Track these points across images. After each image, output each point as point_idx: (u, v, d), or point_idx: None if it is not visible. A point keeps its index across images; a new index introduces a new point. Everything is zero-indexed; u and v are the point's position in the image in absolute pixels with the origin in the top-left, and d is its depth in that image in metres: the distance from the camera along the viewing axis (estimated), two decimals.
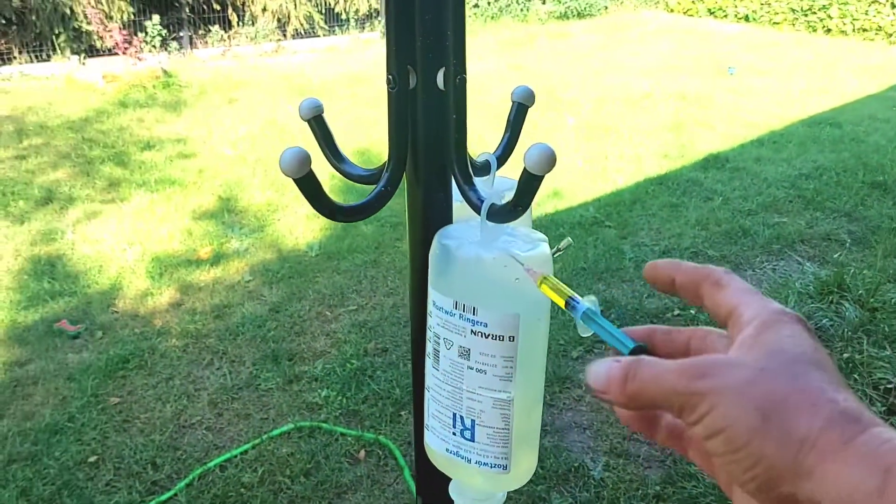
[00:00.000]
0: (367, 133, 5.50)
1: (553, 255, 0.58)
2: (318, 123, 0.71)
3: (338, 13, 10.24)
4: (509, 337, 0.57)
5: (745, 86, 7.24)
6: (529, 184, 0.55)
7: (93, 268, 3.54)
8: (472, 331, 0.58)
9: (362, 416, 2.51)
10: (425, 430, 0.66)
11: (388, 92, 0.63)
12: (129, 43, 7.53)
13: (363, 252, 3.73)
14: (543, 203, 4.36)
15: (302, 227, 4.05)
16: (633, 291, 3.35)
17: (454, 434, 0.62)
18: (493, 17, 11.00)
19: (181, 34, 8.94)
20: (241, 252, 3.76)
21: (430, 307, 0.62)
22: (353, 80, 7.32)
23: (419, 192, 0.67)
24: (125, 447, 2.38)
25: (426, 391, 0.66)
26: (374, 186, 0.67)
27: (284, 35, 9.71)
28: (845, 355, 2.69)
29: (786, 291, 3.21)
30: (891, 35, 9.49)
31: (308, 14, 9.86)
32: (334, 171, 0.78)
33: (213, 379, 2.74)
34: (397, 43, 0.62)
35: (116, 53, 7.50)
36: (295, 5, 9.67)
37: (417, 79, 0.63)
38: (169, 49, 8.60)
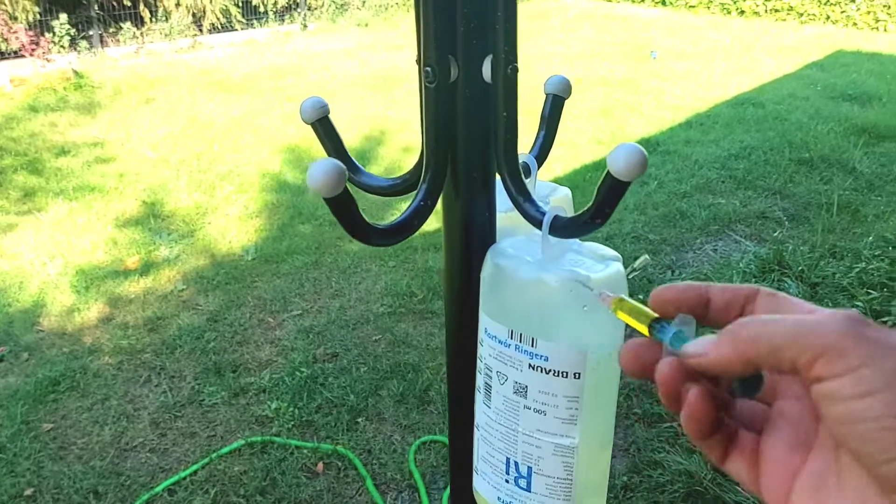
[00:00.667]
0: (298, 129, 5.33)
1: (628, 275, 0.50)
2: (323, 126, 0.60)
3: (255, 6, 9.94)
4: (574, 374, 0.48)
5: (668, 70, 7.35)
6: (615, 191, 0.47)
7: (12, 285, 3.30)
8: (530, 365, 0.49)
9: (317, 427, 2.41)
10: (474, 473, 0.57)
11: (426, 87, 0.53)
12: (37, 44, 7.10)
13: (303, 253, 3.60)
14: None
15: (235, 229, 3.88)
16: None
17: (507, 482, 0.53)
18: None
19: (91, 33, 8.50)
20: (172, 259, 3.57)
21: (481, 334, 0.53)
22: (275, 74, 7.10)
23: (458, 203, 0.57)
24: (63, 476, 2.20)
25: (476, 429, 0.56)
26: (396, 199, 0.58)
27: (200, 30, 9.36)
28: None
29: (729, 271, 3.24)
30: (801, 15, 9.82)
31: (224, 7, 9.53)
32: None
33: (152, 397, 2.58)
34: (436, 28, 0.51)
35: (23, 55, 7.05)
36: None
37: (459, 70, 0.53)
38: (79, 49, 8.15)
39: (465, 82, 0.53)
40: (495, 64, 0.53)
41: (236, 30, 9.71)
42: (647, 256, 0.61)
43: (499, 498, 0.55)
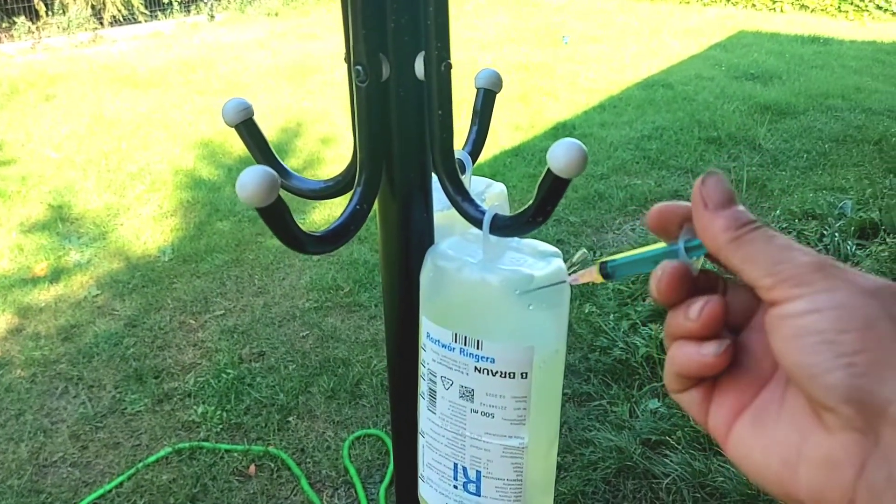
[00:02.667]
0: (211, 123, 5.18)
1: (569, 270, 0.50)
2: (248, 129, 0.57)
3: None
4: (521, 374, 0.48)
5: (581, 54, 7.48)
6: (556, 189, 0.46)
7: None
8: (476, 368, 0.48)
9: (247, 429, 2.35)
10: (420, 480, 0.56)
11: (357, 86, 0.51)
12: None
13: (223, 251, 3.50)
14: None
15: (149, 229, 3.75)
16: None
17: (455, 487, 0.52)
18: None
19: None
20: (84, 264, 3.42)
21: (422, 339, 0.51)
22: (184, 67, 6.87)
23: (395, 205, 0.55)
24: None
25: (420, 436, 0.55)
26: (327, 201, 0.56)
27: (101, 23, 8.97)
28: None
29: None
30: None
31: None
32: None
33: (70, 409, 2.47)
34: (365, 25, 0.49)
35: None
36: None
37: (391, 68, 0.51)
38: None
39: (398, 81, 0.52)
40: (428, 61, 0.51)
41: (140, 22, 9.35)
42: (584, 251, 0.61)
43: (447, 503, 0.54)
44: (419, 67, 0.52)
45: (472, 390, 0.49)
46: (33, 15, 8.56)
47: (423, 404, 0.54)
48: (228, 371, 2.60)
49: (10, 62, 7.26)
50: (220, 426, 2.36)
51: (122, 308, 3.05)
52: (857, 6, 9.31)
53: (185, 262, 3.42)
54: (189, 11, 9.84)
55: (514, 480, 0.51)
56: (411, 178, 0.55)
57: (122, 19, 9.16)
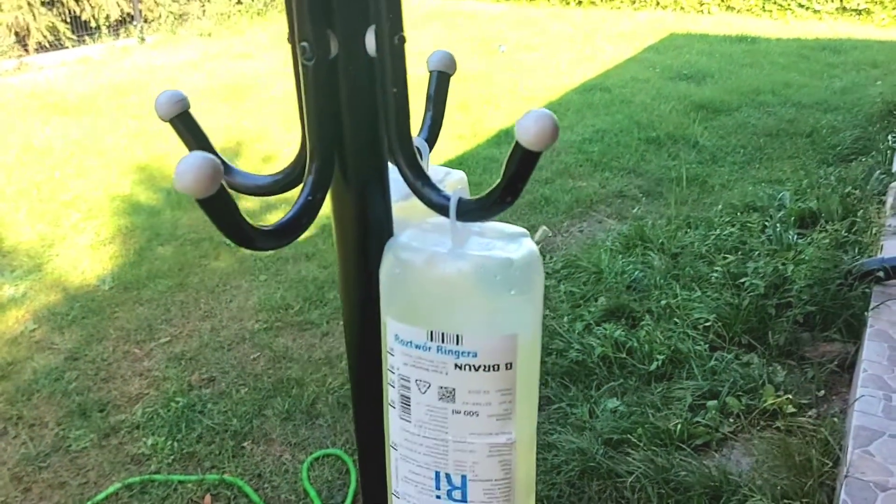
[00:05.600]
0: (147, 147, 5.04)
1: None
2: (184, 122, 0.53)
3: (86, 21, 9.34)
4: (506, 364, 0.44)
5: (518, 62, 7.54)
6: (526, 163, 0.43)
7: None
8: (456, 365, 0.44)
9: (200, 458, 2.27)
10: (393, 498, 0.51)
11: (303, 65, 0.46)
12: None
13: (165, 276, 3.39)
14: None
15: (87, 259, 3.61)
16: None
17: (439, 497, 0.48)
18: (259, 13, 10.60)
19: None
20: (18, 298, 3.27)
21: (389, 344, 0.47)
22: (116, 92, 6.69)
23: (350, 195, 0.51)
24: None
25: (392, 449, 0.50)
26: (278, 197, 0.51)
27: (26, 50, 8.69)
28: (662, 302, 2.85)
29: (597, 251, 3.34)
30: (634, 2, 10.35)
31: (51, 25, 8.90)
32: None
33: (11, 450, 2.34)
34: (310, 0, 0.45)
35: None
36: (34, 16, 8.68)
37: (339, 45, 0.46)
38: None
39: (347, 58, 0.47)
40: (379, 35, 0.47)
41: (67, 47, 9.08)
42: (545, 228, 0.59)
43: None
44: (370, 42, 0.47)
45: (454, 390, 0.45)
46: None
47: (393, 414, 0.50)
48: (178, 399, 2.51)
49: None
50: (172, 457, 2.26)
51: (62, 341, 2.92)
52: (780, 5, 9.62)
53: (126, 290, 3.30)
54: (118, 35, 9.61)
55: (503, 479, 0.48)
56: (367, 165, 0.50)
57: (48, 45, 8.89)
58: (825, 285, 2.68)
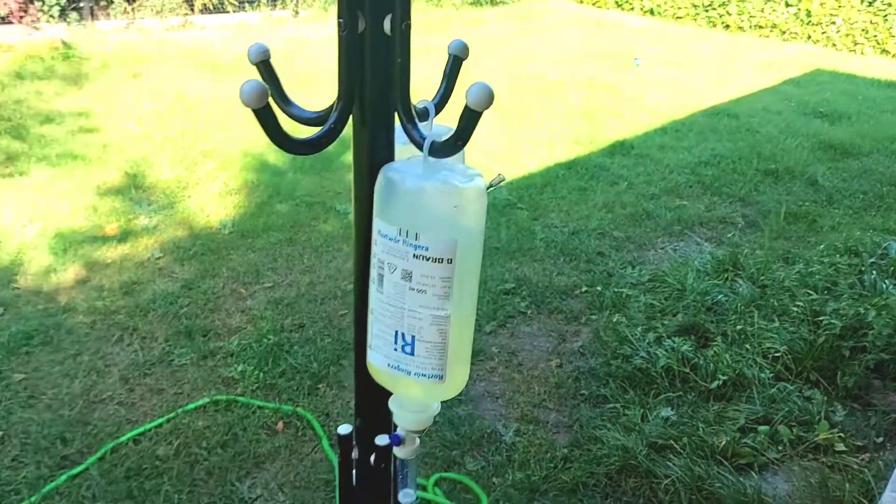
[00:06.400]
0: (282, 114, 5.42)
1: (487, 189, 0.64)
2: (265, 67, 0.75)
3: None
4: (447, 259, 0.63)
5: (651, 77, 7.52)
6: (470, 119, 0.60)
7: None
8: (414, 255, 0.63)
9: (280, 390, 2.53)
10: (368, 349, 0.71)
11: (339, 35, 0.67)
12: (25, 11, 7.12)
13: (278, 230, 3.71)
14: None
15: (214, 204, 3.99)
16: (543, 269, 3.47)
17: (395, 350, 0.68)
18: None
19: (81, 4, 8.52)
20: (151, 229, 3.67)
21: (375, 236, 0.67)
22: None
23: (365, 130, 0.72)
24: (32, 423, 2.31)
25: (370, 314, 0.71)
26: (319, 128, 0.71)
27: (192, 9, 9.40)
28: (738, 327, 2.88)
29: (685, 269, 3.39)
30: (784, 32, 10.04)
31: None
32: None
33: (123, 355, 2.69)
34: None
35: (11, 22, 7.08)
36: None
37: (366, 23, 0.67)
38: (68, 19, 8.17)
39: (371, 33, 0.67)
40: (393, 21, 0.67)
41: (228, 12, 9.76)
42: (501, 175, 0.73)
43: (388, 364, 0.69)
44: (387, 24, 0.67)
45: (411, 272, 0.65)
46: None
47: (373, 287, 0.70)
48: (269, 337, 2.78)
49: (105, 39, 7.70)
50: (256, 385, 2.53)
51: (181, 271, 3.28)
52: None
53: (242, 237, 3.63)
54: (275, 6, 10.23)
55: (440, 343, 0.67)
56: (378, 110, 0.71)
57: (212, 8, 9.58)
58: None
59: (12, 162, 4.34)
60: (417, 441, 0.78)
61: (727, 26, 10.51)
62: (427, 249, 0.64)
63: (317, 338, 2.82)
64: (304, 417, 2.39)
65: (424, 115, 0.71)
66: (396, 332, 0.67)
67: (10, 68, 6.18)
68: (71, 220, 3.68)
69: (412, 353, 0.68)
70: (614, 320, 3.03)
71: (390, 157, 0.73)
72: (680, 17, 10.96)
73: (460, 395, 2.56)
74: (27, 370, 2.57)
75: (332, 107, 0.73)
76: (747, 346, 2.77)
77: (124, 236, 3.57)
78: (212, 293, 3.12)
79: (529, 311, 3.13)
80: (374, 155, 0.72)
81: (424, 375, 0.68)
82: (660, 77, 7.55)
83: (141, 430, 2.30)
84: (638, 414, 2.45)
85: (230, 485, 2.12)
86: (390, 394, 0.74)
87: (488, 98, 0.59)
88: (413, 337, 0.67)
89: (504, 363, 2.78)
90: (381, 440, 0.78)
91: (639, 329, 2.93)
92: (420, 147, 0.64)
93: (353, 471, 0.86)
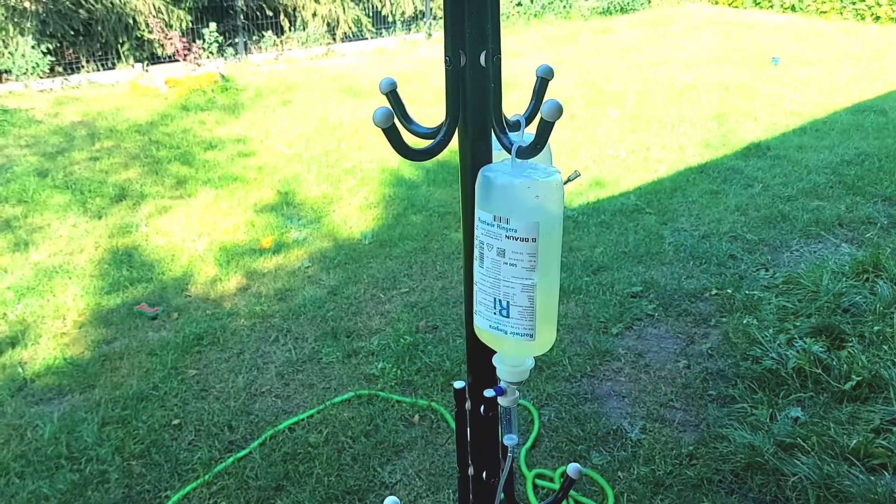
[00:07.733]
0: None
1: (564, 183, 0.80)
2: (392, 96, 0.93)
3: (384, 16, 10.53)
4: (532, 239, 0.81)
5: (790, 76, 7.26)
6: (545, 129, 0.77)
7: (166, 257, 3.84)
8: (506, 236, 0.82)
9: (416, 386, 2.73)
10: (475, 315, 0.89)
11: (446, 69, 0.86)
12: (189, 50, 7.90)
13: (413, 240, 3.96)
14: (586, 192, 4.53)
15: (356, 217, 4.30)
16: (671, 273, 3.50)
17: (495, 314, 0.86)
18: (536, 15, 11.16)
19: (237, 40, 9.31)
20: (300, 241, 4.02)
21: (476, 222, 0.85)
22: (400, 80, 7.50)
23: (468, 142, 0.91)
24: (204, 412, 2.63)
25: (475, 286, 0.89)
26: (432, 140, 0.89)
27: (334, 38, 10.02)
28: (876, 328, 2.81)
29: (820, 271, 3.32)
30: None
31: (356, 18, 10.16)
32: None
33: (279, 354, 2.99)
34: (452, 32, 0.87)
35: (177, 60, 7.87)
36: (344, 10, 9.98)
37: (466, 59, 0.85)
38: (225, 55, 8.97)
39: (470, 66, 0.86)
40: (487, 56, 0.84)
41: (366, 38, 10.32)
42: (577, 171, 0.88)
43: (489, 326, 0.87)
44: (482, 59, 0.85)
45: (504, 250, 0.83)
46: (279, 30, 9.76)
47: (476, 264, 0.88)
48: (406, 337, 3.01)
49: (258, 70, 8.38)
50: (395, 381, 2.75)
51: (327, 279, 3.58)
52: None
53: (381, 246, 3.91)
54: (410, 30, 10.70)
55: (529, 307, 0.84)
56: (477, 125, 0.89)
57: (351, 36, 10.17)
58: None
59: (182, 185, 4.86)
60: (517, 392, 0.96)
61: (877, 18, 9.92)
62: (516, 231, 0.82)
63: (449, 338, 3.02)
64: (438, 412, 2.58)
65: (518, 126, 0.89)
66: (495, 299, 0.85)
67: (178, 101, 6.87)
68: (233, 234, 4.09)
69: (507, 316, 0.85)
70: (745, 322, 3.03)
71: (488, 160, 0.92)
72: (824, 13, 10.46)
73: (586, 393, 2.67)
74: (199, 367, 2.92)
75: (442, 124, 0.92)
76: (885, 347, 2.70)
77: (278, 248, 3.93)
78: (354, 298, 3.39)
79: (657, 314, 3.18)
80: (475, 159, 0.92)
81: (518, 334, 0.85)
82: (800, 75, 7.28)
83: (295, 419, 2.57)
84: (766, 414, 2.46)
85: (373, 470, 2.34)
86: (494, 352, 0.92)
87: (558, 111, 0.75)
88: (508, 302, 0.85)
89: (630, 364, 2.86)
90: (488, 393, 0.97)
91: (770, 331, 2.91)
92: (509, 151, 0.82)
93: (467, 420, 1.03)
